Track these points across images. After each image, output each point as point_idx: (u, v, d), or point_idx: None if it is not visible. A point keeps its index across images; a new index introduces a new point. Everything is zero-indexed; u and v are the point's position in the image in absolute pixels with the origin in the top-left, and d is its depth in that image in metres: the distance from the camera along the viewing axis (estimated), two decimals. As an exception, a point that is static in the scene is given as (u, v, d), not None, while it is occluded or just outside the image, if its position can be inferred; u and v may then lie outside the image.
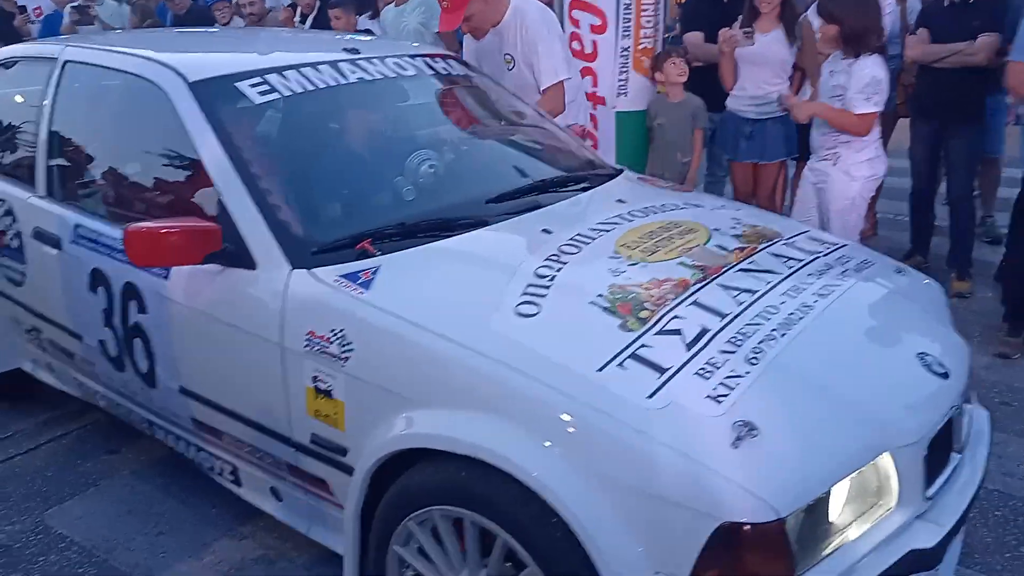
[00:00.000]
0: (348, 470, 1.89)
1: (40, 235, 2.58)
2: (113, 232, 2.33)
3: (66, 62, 2.68)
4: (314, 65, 2.47)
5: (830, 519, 1.57)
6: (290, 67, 2.43)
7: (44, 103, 2.68)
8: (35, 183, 2.66)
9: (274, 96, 2.33)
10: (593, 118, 4.05)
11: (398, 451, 1.75)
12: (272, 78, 2.36)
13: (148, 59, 2.42)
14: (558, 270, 1.97)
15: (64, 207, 2.55)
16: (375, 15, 5.32)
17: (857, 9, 3.18)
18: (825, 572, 1.52)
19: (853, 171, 3.27)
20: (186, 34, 3.80)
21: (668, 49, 4.06)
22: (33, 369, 2.98)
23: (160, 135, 2.35)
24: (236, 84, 2.31)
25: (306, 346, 1.89)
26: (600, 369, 1.64)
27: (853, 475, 1.58)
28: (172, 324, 2.20)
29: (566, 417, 1.58)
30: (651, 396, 1.59)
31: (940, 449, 1.76)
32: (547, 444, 1.57)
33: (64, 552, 2.36)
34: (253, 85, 2.32)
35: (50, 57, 2.75)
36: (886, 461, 1.63)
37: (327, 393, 1.88)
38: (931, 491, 1.71)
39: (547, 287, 1.90)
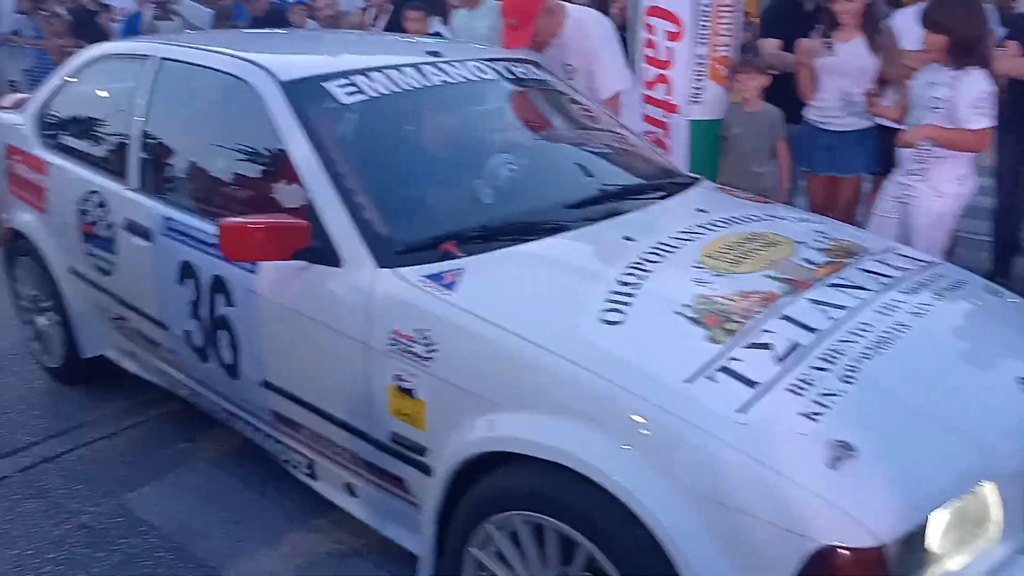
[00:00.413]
0: (426, 469, 1.91)
1: (131, 227, 2.66)
2: (203, 226, 2.39)
3: (162, 59, 2.76)
4: (398, 67, 2.50)
5: (928, 547, 1.51)
6: (375, 69, 2.47)
7: (138, 99, 2.77)
8: (127, 176, 2.75)
9: (361, 97, 2.37)
10: (664, 125, 4.01)
11: (480, 453, 1.76)
12: (358, 79, 2.40)
13: (241, 59, 2.48)
14: (642, 278, 1.95)
15: (155, 200, 2.63)
16: (445, 19, 5.37)
17: (967, 18, 3.05)
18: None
19: (942, 187, 3.16)
20: (272, 35, 3.88)
21: (745, 59, 3.99)
22: (117, 357, 3.08)
23: (250, 133, 2.41)
24: (324, 84, 2.36)
25: (390, 345, 1.91)
26: (688, 380, 1.62)
27: (954, 502, 1.53)
28: (258, 318, 2.24)
29: (653, 426, 1.56)
30: (742, 410, 1.56)
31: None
32: (633, 453, 1.56)
33: (144, 536, 2.42)
34: (341, 86, 2.36)
35: (145, 55, 2.84)
36: (988, 489, 1.57)
37: (409, 392, 1.89)
38: (1032, 524, 1.64)
39: (632, 295, 1.88)
